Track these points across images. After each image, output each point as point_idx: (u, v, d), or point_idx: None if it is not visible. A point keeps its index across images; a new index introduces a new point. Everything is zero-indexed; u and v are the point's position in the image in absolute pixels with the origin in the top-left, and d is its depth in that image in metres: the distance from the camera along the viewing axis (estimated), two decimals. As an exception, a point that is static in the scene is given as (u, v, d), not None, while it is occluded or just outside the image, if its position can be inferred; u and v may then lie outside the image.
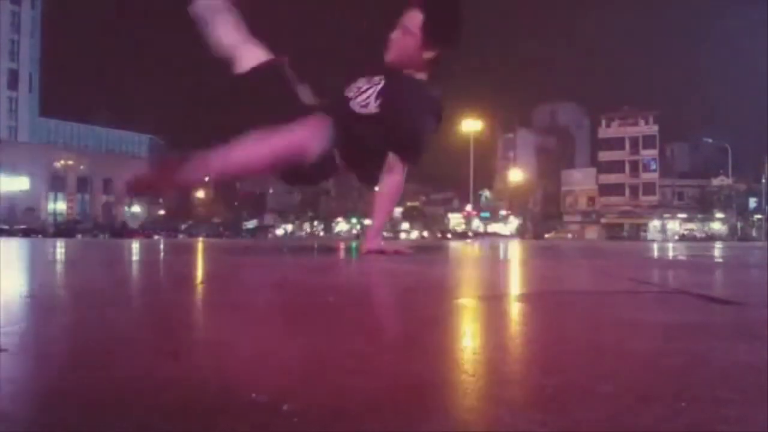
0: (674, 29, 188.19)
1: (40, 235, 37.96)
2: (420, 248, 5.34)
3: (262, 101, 3.20)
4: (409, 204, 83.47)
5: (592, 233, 62.28)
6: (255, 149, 2.74)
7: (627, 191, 64.55)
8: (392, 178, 3.05)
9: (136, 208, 76.58)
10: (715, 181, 58.63)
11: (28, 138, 63.66)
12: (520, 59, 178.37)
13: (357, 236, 50.70)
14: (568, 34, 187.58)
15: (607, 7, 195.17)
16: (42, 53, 66.29)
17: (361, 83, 2.96)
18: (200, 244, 6.82)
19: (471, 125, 54.77)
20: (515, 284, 1.86)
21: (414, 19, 2.91)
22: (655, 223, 61.75)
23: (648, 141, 63.89)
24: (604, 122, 66.43)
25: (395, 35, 2.98)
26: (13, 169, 58.12)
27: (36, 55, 64.98)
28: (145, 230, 54.08)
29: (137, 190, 3.03)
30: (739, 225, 55.05)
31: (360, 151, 2.99)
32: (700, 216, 60.90)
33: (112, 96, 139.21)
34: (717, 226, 59.19)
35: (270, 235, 57.99)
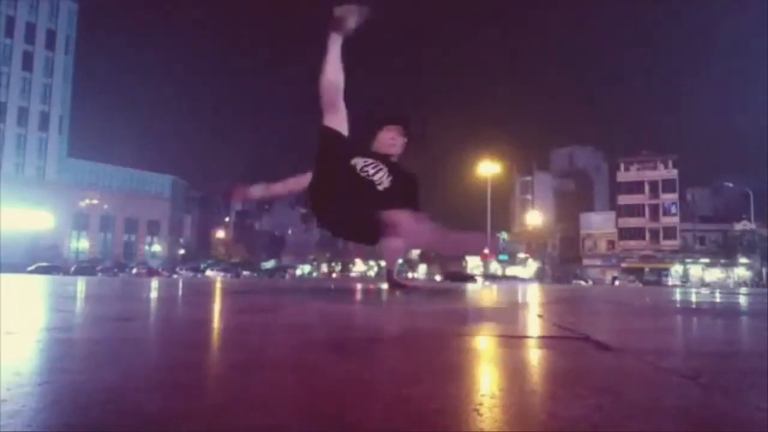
0: (693, 74, 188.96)
1: (61, 273, 38.60)
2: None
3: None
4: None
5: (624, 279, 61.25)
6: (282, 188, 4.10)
7: (647, 235, 63.78)
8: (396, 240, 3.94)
9: (157, 248, 77.55)
10: (738, 226, 57.71)
11: (56, 177, 65.36)
12: (537, 102, 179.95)
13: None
14: (585, 78, 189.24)
15: (626, 51, 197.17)
16: (73, 97, 68.69)
17: (364, 165, 3.73)
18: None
19: (488, 168, 54.96)
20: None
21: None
22: (677, 268, 60.69)
23: (667, 185, 63.45)
24: (622, 166, 66.28)
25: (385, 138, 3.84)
26: (40, 207, 59.58)
27: (67, 98, 67.35)
28: (163, 269, 54.63)
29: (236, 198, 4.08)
30: (764, 270, 53.88)
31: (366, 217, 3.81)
32: (723, 261, 59.76)
33: (137, 139, 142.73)
34: (741, 272, 57.98)
35: (288, 275, 57.96)
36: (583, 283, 53.15)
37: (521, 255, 68.85)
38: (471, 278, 45.48)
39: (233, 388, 0.92)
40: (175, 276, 42.75)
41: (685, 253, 60.94)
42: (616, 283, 54.26)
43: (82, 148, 74.82)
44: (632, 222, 64.20)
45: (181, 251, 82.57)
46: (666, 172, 63.84)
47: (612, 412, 0.76)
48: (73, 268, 44.85)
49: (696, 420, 0.72)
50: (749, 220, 55.70)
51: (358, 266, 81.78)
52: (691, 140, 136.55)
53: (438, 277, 60.21)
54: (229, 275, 49.36)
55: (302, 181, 4.11)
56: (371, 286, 7.82)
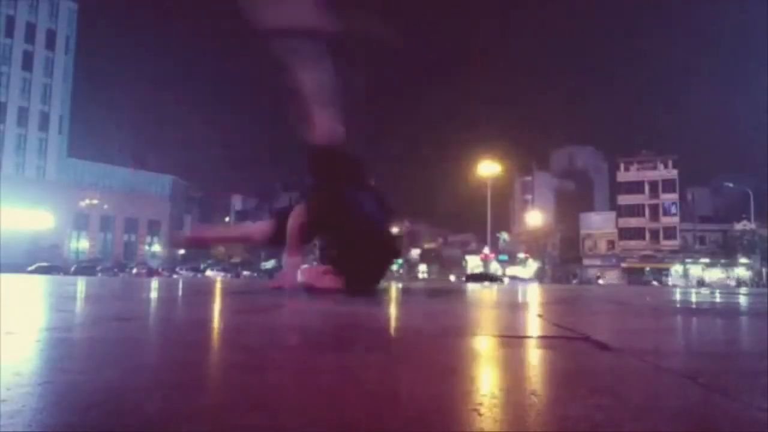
0: (693, 74, 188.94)
1: (61, 273, 38.60)
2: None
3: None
4: (426, 246, 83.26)
5: (612, 278, 61.36)
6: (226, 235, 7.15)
7: (647, 235, 63.78)
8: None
9: (157, 248, 77.51)
10: (738, 226, 57.71)
11: (56, 177, 65.39)
12: (538, 102, 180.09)
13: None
14: (585, 78, 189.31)
15: (626, 52, 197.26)
16: (73, 97, 68.71)
17: None
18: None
19: (488, 168, 55.00)
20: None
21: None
22: (677, 268, 60.74)
23: (667, 185, 63.47)
24: (622, 166, 66.32)
25: None
26: (40, 207, 59.60)
27: (67, 98, 67.33)
28: (163, 269, 54.63)
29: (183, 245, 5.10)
30: (764, 270, 53.90)
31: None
32: (723, 261, 59.79)
33: (137, 139, 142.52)
34: (741, 272, 58.00)
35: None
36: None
37: (521, 255, 68.83)
38: (497, 278, 45.30)
39: (232, 389, 0.92)
40: (175, 276, 42.77)
41: (685, 253, 60.97)
42: (600, 281, 55.29)
43: (82, 148, 74.71)
44: (632, 222, 64.19)
45: (181, 251, 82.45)
46: (666, 172, 63.85)
47: (612, 411, 0.76)
48: (73, 268, 44.84)
49: (696, 420, 0.73)
50: (749, 220, 55.70)
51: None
52: (691, 140, 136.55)
53: (452, 277, 60.08)
54: (229, 275, 49.38)
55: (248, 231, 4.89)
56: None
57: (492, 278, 44.78)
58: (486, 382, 1.04)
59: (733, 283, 54.08)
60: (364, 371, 1.08)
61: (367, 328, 2.04)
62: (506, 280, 44.75)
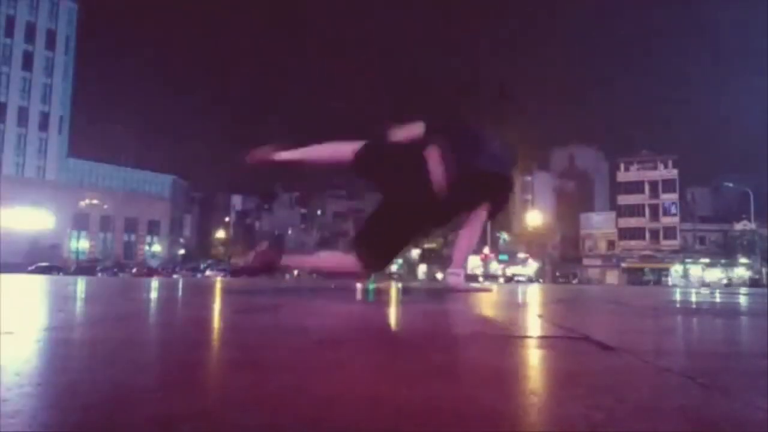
0: (693, 74, 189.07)
1: (61, 273, 38.64)
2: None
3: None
4: (426, 246, 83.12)
5: (612, 278, 61.38)
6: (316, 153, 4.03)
7: (647, 235, 63.83)
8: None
9: (157, 248, 77.56)
10: (738, 226, 57.76)
11: (56, 177, 65.43)
12: (538, 102, 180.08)
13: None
14: (585, 78, 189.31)
15: (627, 52, 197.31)
16: (73, 97, 68.78)
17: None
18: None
19: (488, 168, 54.87)
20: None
21: None
22: (677, 268, 60.79)
23: (667, 185, 63.53)
24: (622, 166, 66.37)
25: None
26: (40, 207, 59.66)
27: (67, 98, 67.40)
28: (163, 269, 54.71)
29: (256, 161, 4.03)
30: (764, 270, 53.94)
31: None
32: (723, 261, 59.84)
33: (137, 138, 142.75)
34: (741, 272, 58.05)
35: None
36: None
37: (521, 255, 68.83)
38: (533, 280, 46.24)
39: (232, 388, 0.90)
40: (174, 276, 42.82)
41: (685, 253, 61.03)
42: (574, 281, 55.48)
43: (82, 148, 74.82)
44: (632, 222, 64.27)
45: (181, 251, 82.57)
46: (666, 172, 63.93)
47: (611, 411, 0.75)
48: (73, 268, 44.89)
49: (696, 420, 0.73)
50: (749, 220, 55.76)
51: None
52: (691, 140, 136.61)
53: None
54: (228, 275, 49.41)
55: (340, 149, 3.78)
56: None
57: (529, 279, 45.90)
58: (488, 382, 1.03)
59: (731, 282, 54.09)
60: (360, 371, 1.08)
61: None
62: (539, 280, 46.07)
